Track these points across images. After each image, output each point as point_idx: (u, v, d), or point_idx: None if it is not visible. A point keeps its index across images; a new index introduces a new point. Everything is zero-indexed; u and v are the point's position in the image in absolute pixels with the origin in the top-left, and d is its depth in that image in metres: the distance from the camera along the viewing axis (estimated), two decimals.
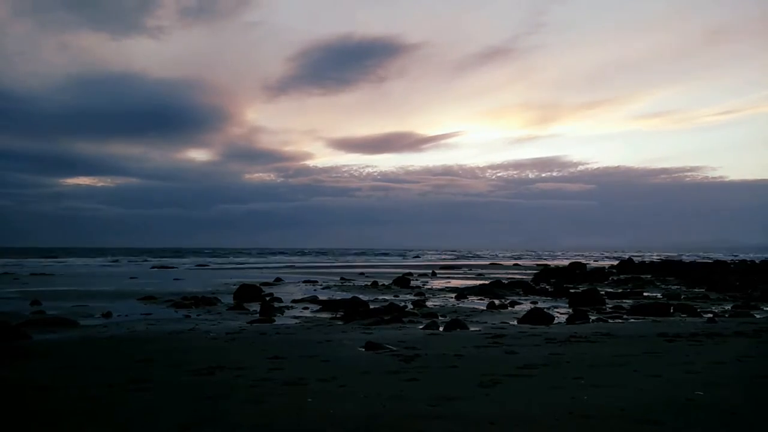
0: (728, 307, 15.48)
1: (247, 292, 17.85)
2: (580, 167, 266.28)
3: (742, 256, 68.97)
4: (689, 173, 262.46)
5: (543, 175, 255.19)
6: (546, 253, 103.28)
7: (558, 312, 14.18)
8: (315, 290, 21.74)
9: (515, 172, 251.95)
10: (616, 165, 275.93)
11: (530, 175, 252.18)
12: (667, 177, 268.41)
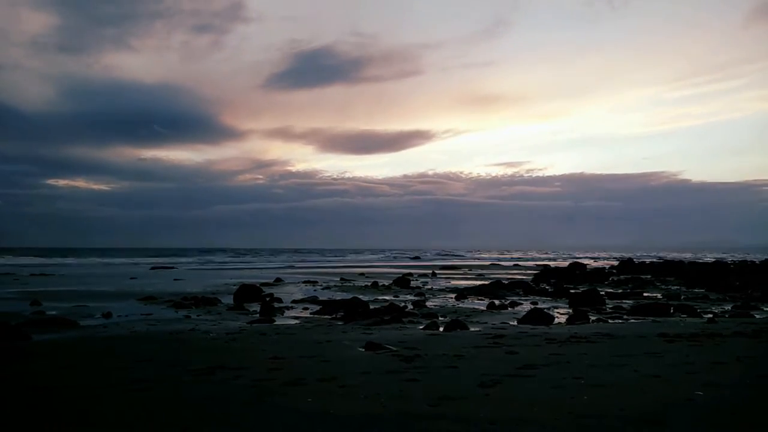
0: (728, 307, 15.48)
1: (247, 293, 17.84)
2: (546, 173, 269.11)
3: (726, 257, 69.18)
4: (652, 178, 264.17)
5: (515, 178, 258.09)
6: (518, 254, 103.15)
7: (558, 312, 14.19)
8: (315, 290, 21.73)
9: (487, 177, 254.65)
10: (580, 171, 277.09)
11: (502, 179, 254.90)
12: (631, 181, 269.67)
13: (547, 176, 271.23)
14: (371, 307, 14.36)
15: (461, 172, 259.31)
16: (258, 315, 13.41)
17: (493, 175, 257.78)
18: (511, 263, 59.57)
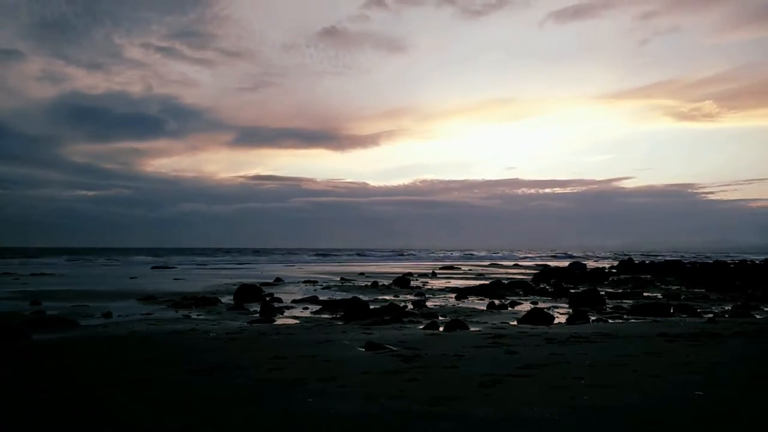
0: (728, 307, 15.47)
1: (247, 293, 17.83)
2: (482, 178, 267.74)
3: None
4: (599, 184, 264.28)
5: (466, 183, 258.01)
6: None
7: (558, 312, 14.19)
8: (315, 290, 21.74)
9: (439, 182, 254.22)
10: (514, 178, 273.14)
11: (452, 184, 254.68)
12: (583, 187, 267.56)
13: (483, 182, 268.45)
14: (371, 306, 14.35)
15: (420, 179, 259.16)
16: (258, 315, 13.41)
17: (445, 180, 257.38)
18: (511, 263, 59.63)
